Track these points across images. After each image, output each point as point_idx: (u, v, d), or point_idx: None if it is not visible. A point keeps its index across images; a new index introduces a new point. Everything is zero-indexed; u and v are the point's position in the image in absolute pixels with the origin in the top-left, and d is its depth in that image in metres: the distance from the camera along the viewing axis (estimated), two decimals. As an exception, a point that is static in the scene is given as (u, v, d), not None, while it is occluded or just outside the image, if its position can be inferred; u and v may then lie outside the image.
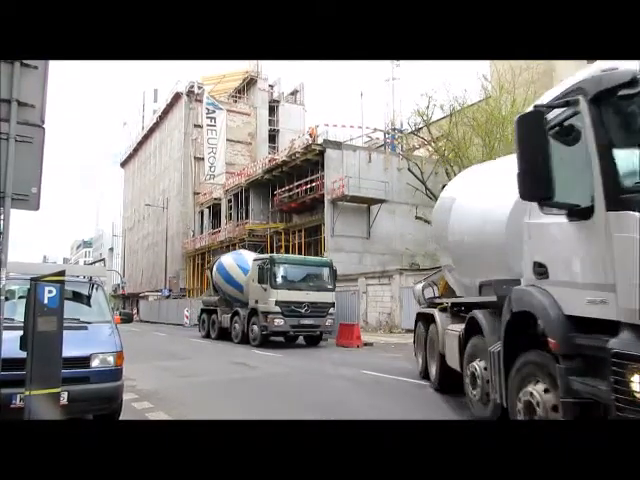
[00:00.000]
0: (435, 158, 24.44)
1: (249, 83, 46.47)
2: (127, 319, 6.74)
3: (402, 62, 35.26)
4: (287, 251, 28.36)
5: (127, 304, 54.67)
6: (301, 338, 17.10)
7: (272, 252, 30.33)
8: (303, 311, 15.26)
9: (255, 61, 44.88)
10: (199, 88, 44.25)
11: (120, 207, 69.04)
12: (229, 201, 36.19)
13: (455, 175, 21.80)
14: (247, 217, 33.23)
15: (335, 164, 26.06)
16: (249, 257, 18.68)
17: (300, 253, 27.10)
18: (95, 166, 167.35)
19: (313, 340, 16.70)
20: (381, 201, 25.86)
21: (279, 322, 15.05)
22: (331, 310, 16.04)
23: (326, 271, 16.54)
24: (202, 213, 41.25)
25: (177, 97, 45.87)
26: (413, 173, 23.63)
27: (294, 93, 48.83)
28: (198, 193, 42.49)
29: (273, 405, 6.99)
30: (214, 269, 19.98)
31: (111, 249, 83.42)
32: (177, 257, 42.49)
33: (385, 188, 25.96)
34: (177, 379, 9.39)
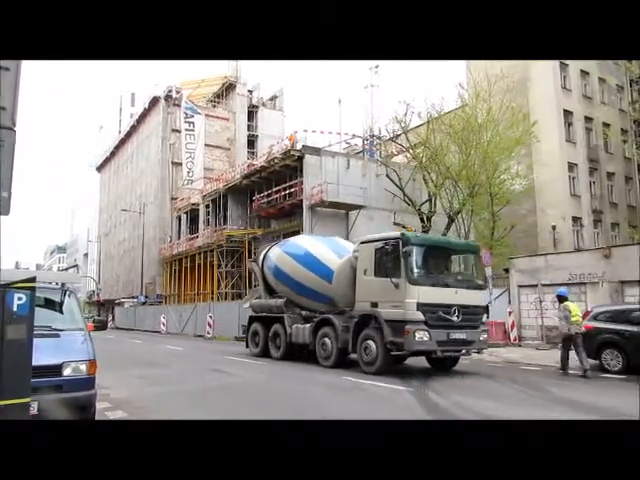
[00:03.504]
0: (413, 165, 24.68)
1: (228, 88, 46.30)
2: (100, 326, 6.61)
3: (381, 69, 35.61)
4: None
5: (102, 311, 53.70)
6: (415, 359, 11.73)
7: (250, 258, 30.18)
8: (455, 319, 10.27)
9: (234, 66, 44.80)
10: (177, 92, 43.90)
11: (96, 212, 67.94)
12: (207, 206, 35.92)
13: (432, 182, 22.19)
14: (225, 223, 32.99)
15: (314, 170, 26.08)
16: (316, 247, 13.02)
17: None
18: (70, 170, 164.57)
19: (448, 362, 11.36)
20: (359, 207, 25.96)
21: (422, 336, 9.83)
22: (484, 318, 11.33)
23: (474, 260, 11.69)
24: (179, 218, 40.84)
25: (155, 101, 45.43)
26: (391, 179, 23.81)
27: (273, 99, 48.82)
28: (175, 198, 42.06)
29: (252, 414, 6.92)
30: (265, 270, 14.60)
31: (86, 255, 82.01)
32: (154, 263, 41.93)
33: (363, 194, 26.07)
34: (153, 388, 9.24)
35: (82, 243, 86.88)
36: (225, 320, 25.16)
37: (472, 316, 10.71)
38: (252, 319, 15.29)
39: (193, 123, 40.92)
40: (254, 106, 46.79)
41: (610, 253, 17.15)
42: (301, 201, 26.04)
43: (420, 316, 9.90)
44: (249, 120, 46.04)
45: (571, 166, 27.20)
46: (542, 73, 26.89)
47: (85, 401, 5.00)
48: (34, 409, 4.37)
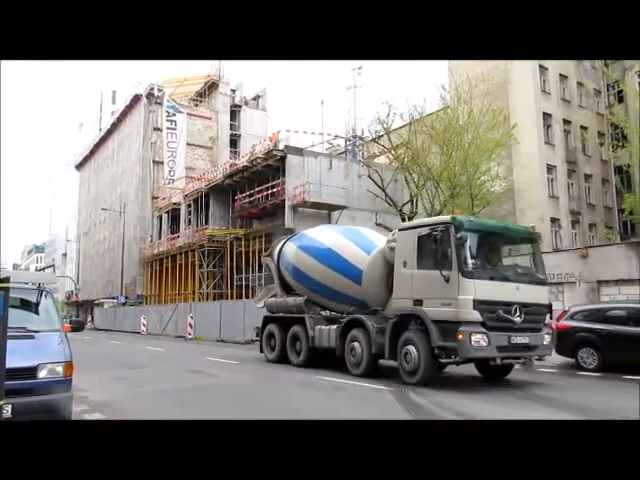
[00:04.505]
0: (395, 165, 24.79)
1: (211, 87, 46.00)
2: (78, 327, 6.49)
3: (363, 70, 35.71)
4: (247, 258, 28.03)
5: (81, 311, 52.89)
6: (453, 367, 9.81)
7: (232, 260, 30.00)
8: (516, 320, 8.67)
9: (217, 65, 44.53)
10: (159, 91, 43.45)
11: (75, 211, 66.89)
12: (188, 206, 35.63)
13: (414, 183, 22.36)
14: (207, 222, 32.77)
15: (296, 170, 26.05)
16: (339, 243, 11.34)
17: (260, 260, 26.76)
18: (49, 168, 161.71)
19: (501, 371, 9.73)
20: (342, 207, 26.00)
21: (480, 340, 8.25)
22: (547, 319, 9.70)
23: (533, 249, 10.01)
24: (160, 218, 40.43)
25: (136, 99, 44.90)
26: (373, 180, 23.89)
27: (256, 98, 48.64)
28: (157, 198, 41.63)
29: (232, 415, 6.88)
30: (282, 268, 13.05)
31: (64, 254, 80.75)
32: (134, 263, 41.45)
33: (346, 194, 26.14)
34: (132, 389, 9.13)
35: (61, 242, 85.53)
36: (206, 321, 24.98)
37: (535, 316, 9.11)
38: (267, 320, 13.41)
39: (175, 122, 40.58)
40: (237, 105, 46.56)
41: (587, 253, 17.47)
42: (283, 201, 25.99)
43: (477, 316, 8.29)
44: (232, 119, 45.81)
45: (550, 168, 27.61)
46: (522, 76, 27.24)
47: (61, 404, 4.91)
48: (8, 412, 4.29)
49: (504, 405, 7.40)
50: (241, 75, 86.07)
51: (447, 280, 8.43)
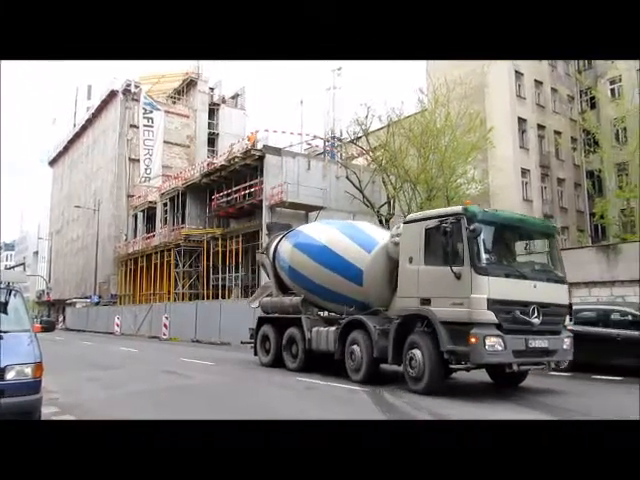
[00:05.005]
0: (373, 167, 24.94)
1: (189, 84, 45.57)
2: (48, 327, 6.34)
3: (343, 71, 35.81)
4: (224, 258, 27.84)
5: (53, 311, 51.78)
6: (464, 373, 8.96)
7: (208, 260, 29.72)
8: (535, 321, 7.89)
9: (196, 62, 44.11)
10: (136, 87, 42.84)
11: (47, 208, 65.47)
12: (165, 205, 35.19)
13: (391, 184, 22.54)
14: (183, 222, 32.41)
15: (274, 170, 25.99)
16: (336, 240, 10.60)
17: (237, 260, 26.66)
18: (20, 164, 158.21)
19: (513, 378, 8.88)
20: (319, 208, 25.99)
21: (495, 344, 7.47)
22: (567, 321, 8.84)
23: (550, 245, 9.26)
24: (136, 216, 39.84)
25: (112, 95, 44.20)
26: (351, 181, 24.00)
27: (235, 97, 48.37)
28: (132, 196, 41.02)
29: (206, 415, 6.82)
30: (278, 267, 12.32)
31: (36, 253, 79.02)
32: (108, 262, 40.76)
33: (323, 195, 26.15)
34: (104, 390, 8.97)
35: (32, 240, 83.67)
36: (182, 321, 24.73)
37: (554, 317, 8.29)
38: (262, 321, 12.51)
39: (152, 119, 40.04)
40: (215, 104, 46.23)
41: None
42: (261, 201, 25.89)
43: (491, 317, 7.49)
44: (210, 118, 45.47)
45: (524, 172, 28.15)
46: (498, 80, 27.69)
47: (30, 406, 4.80)
48: (-27, 415, 4.17)
49: (489, 407, 7.44)
50: (220, 73, 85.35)
51: (458, 277, 7.68)
